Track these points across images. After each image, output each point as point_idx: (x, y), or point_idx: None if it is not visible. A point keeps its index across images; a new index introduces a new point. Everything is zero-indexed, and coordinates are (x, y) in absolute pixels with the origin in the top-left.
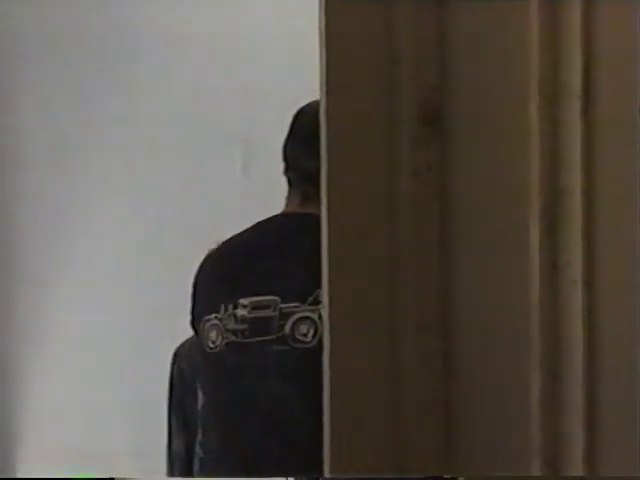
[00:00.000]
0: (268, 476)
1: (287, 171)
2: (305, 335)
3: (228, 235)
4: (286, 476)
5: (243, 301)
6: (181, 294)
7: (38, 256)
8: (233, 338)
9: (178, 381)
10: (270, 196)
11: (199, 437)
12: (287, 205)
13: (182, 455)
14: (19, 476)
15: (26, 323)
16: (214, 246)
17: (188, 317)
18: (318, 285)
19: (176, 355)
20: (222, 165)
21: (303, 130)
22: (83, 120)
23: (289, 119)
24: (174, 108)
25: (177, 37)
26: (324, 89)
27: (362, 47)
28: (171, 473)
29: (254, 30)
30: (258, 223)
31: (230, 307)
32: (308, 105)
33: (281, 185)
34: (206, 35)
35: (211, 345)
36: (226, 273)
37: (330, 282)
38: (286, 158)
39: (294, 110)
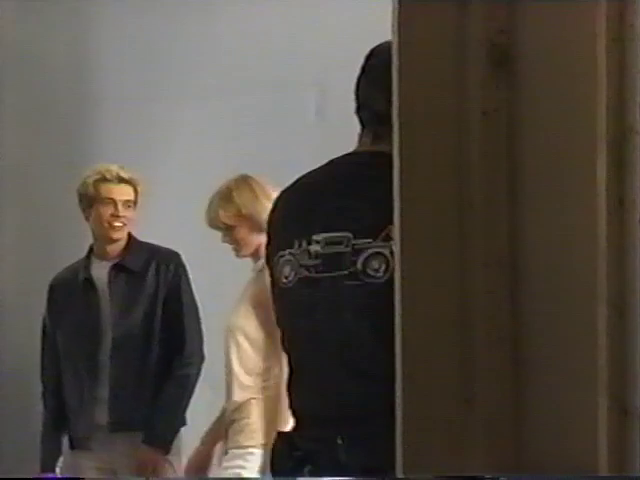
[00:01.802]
0: (340, 407)
1: (359, 110)
2: (377, 270)
3: (302, 173)
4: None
5: (316, 237)
6: None
7: None
8: (306, 273)
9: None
10: (343, 136)
11: None
12: (359, 144)
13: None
14: None
15: None
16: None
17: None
18: (390, 222)
19: (51, 287)
20: (297, 107)
21: (375, 70)
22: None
23: (361, 61)
24: (248, 54)
25: None
26: (396, 32)
27: None
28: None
29: None
30: (331, 161)
31: (304, 243)
32: (380, 46)
33: (354, 126)
34: None
35: (284, 280)
36: (300, 210)
37: (401, 219)
38: (358, 98)
39: (366, 52)
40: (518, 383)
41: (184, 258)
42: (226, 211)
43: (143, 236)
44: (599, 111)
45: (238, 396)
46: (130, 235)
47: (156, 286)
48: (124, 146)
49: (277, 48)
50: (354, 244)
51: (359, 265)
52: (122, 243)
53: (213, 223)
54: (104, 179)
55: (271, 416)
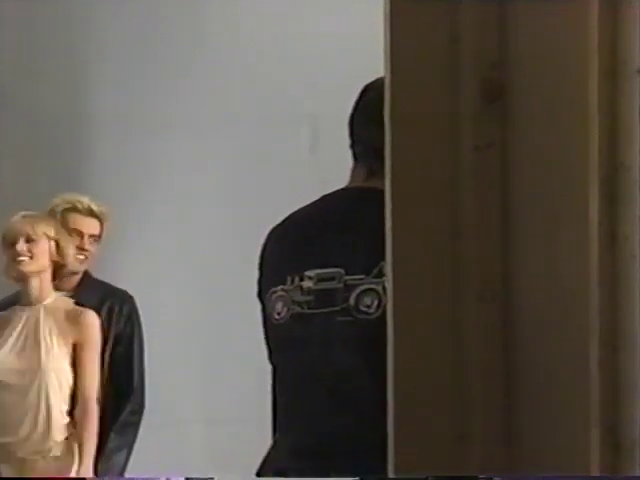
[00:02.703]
0: (334, 444)
1: (353, 145)
2: (369, 307)
3: (294, 208)
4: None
5: (309, 273)
6: (250, 267)
7: None
8: (299, 309)
9: None
10: (336, 171)
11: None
12: (352, 179)
13: None
14: None
15: None
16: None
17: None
18: (382, 258)
19: None
20: (290, 141)
21: (369, 106)
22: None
23: (354, 96)
24: (238, 88)
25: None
26: (388, 67)
27: (424, 26)
28: None
29: (318, 9)
30: (323, 197)
31: (296, 279)
32: (375, 82)
33: (346, 160)
34: (270, 17)
35: (277, 316)
36: (292, 246)
37: (394, 255)
38: (352, 133)
39: (359, 87)
40: (510, 416)
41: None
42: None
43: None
44: (591, 146)
45: None
46: (86, 270)
47: (107, 327)
48: (113, 178)
49: (269, 81)
50: (346, 280)
51: (351, 301)
52: (78, 277)
53: None
54: (74, 209)
55: None
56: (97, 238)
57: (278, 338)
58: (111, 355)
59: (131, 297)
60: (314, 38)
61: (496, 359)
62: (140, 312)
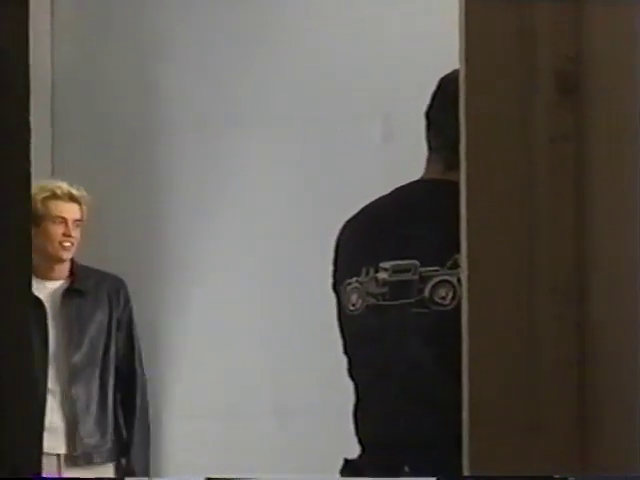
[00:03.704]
0: (407, 437)
1: (430, 137)
2: (444, 298)
3: (368, 201)
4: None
5: (384, 265)
6: (325, 260)
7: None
8: (373, 301)
9: None
10: (409, 163)
11: None
12: (427, 171)
13: None
14: (167, 432)
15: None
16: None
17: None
18: (457, 249)
19: None
20: (364, 135)
21: (446, 97)
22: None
23: (428, 90)
24: (313, 85)
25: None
26: (463, 59)
27: (499, 19)
28: None
29: (393, 5)
30: (398, 188)
31: (371, 271)
32: (452, 72)
33: (419, 153)
34: (344, 14)
35: (351, 308)
36: (367, 237)
37: (469, 246)
38: (428, 124)
39: (433, 82)
40: (585, 413)
41: None
42: None
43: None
44: None
45: None
46: (72, 258)
47: (109, 313)
48: (185, 175)
49: (342, 75)
50: (421, 272)
51: (426, 293)
52: (68, 264)
53: None
54: (54, 196)
55: None
56: (79, 223)
57: (353, 330)
58: (116, 339)
59: (123, 281)
60: (389, 34)
61: (570, 354)
62: (215, 308)
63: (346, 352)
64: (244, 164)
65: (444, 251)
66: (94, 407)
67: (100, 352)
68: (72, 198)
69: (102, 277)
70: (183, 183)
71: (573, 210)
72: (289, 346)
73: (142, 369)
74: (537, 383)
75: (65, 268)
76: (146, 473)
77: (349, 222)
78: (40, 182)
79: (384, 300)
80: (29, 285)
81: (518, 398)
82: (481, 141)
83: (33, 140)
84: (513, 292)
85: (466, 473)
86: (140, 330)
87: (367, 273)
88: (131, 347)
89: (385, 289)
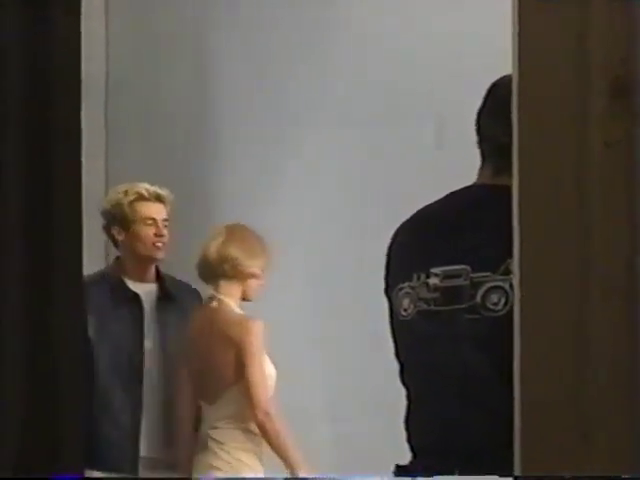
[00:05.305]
0: (460, 441)
1: (480, 143)
2: (496, 304)
3: (421, 206)
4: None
5: (435, 270)
6: (376, 263)
7: None
8: (425, 306)
9: None
10: (463, 168)
11: None
12: (480, 176)
13: None
14: None
15: None
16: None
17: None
18: (508, 255)
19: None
20: (417, 139)
21: (497, 102)
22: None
23: (480, 94)
24: (366, 87)
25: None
26: (517, 65)
27: (552, 23)
28: None
29: (446, 8)
30: (451, 193)
31: (422, 276)
32: (503, 78)
33: (472, 158)
34: (397, 17)
35: (403, 313)
36: (419, 243)
37: (521, 252)
38: (479, 130)
39: (485, 86)
40: (637, 412)
41: None
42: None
43: None
44: None
45: None
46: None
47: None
48: (239, 175)
49: (396, 79)
50: (473, 277)
51: (478, 298)
52: (153, 267)
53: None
54: (142, 198)
55: None
56: (167, 222)
57: (404, 335)
58: None
59: (199, 293)
60: (442, 37)
61: (622, 358)
62: (268, 314)
63: (398, 357)
64: (295, 166)
65: (496, 257)
66: None
67: None
68: (159, 198)
69: (180, 283)
70: (237, 186)
71: (626, 214)
72: (343, 349)
73: None
74: (589, 386)
75: (153, 270)
76: None
77: (402, 227)
78: (122, 187)
79: (435, 305)
80: (80, 272)
81: (570, 402)
82: (534, 146)
83: (86, 142)
84: (565, 297)
85: (517, 473)
86: None
87: (418, 278)
88: None
89: (436, 294)
